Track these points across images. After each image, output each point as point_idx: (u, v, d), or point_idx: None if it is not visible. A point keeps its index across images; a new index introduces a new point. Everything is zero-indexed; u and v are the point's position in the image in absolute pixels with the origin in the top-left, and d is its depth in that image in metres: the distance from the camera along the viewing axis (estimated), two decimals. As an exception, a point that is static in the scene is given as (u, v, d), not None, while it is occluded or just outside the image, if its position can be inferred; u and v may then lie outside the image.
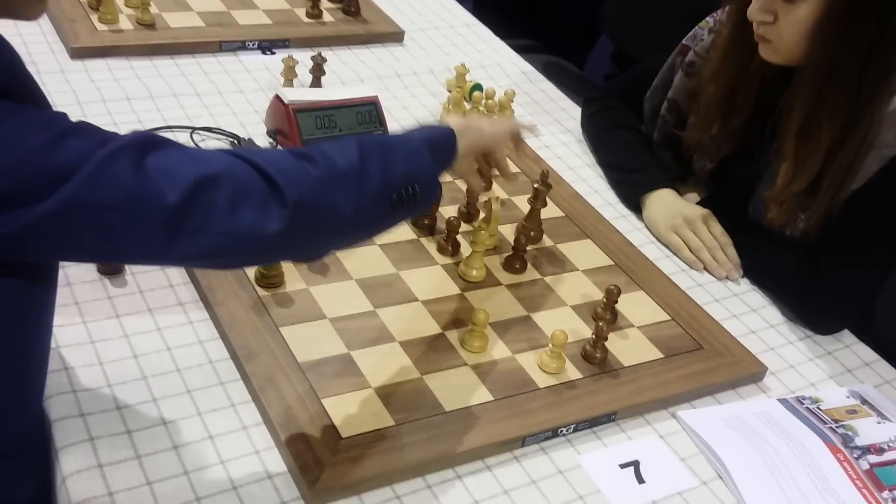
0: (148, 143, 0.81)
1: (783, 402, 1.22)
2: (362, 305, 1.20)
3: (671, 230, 1.45)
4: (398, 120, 1.65)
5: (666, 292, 1.34)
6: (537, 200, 1.36)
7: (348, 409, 1.05)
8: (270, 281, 1.19)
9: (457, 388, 1.11)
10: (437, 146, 1.02)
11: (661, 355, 1.23)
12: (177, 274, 1.21)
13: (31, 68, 1.53)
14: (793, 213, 1.36)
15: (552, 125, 1.75)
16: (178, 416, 1.03)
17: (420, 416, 1.06)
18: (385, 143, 0.97)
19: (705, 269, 1.44)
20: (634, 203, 1.53)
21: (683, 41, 1.56)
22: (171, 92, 1.59)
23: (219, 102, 1.60)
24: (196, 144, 1.46)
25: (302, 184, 0.86)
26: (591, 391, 1.15)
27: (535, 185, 1.36)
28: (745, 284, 1.43)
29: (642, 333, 1.26)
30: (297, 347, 1.11)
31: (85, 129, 0.80)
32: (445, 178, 1.45)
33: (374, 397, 1.08)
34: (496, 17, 3.11)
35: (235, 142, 1.49)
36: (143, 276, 1.20)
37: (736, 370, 1.24)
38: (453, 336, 1.19)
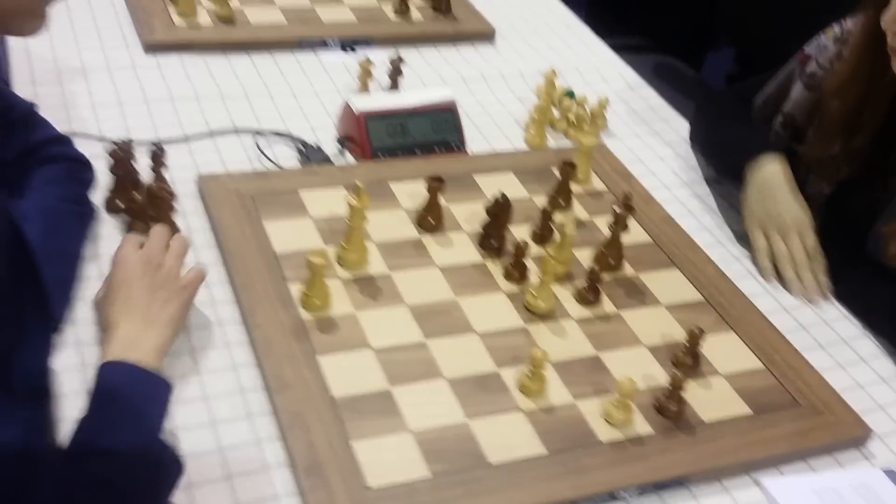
0: None
1: (889, 473, 1.05)
2: (412, 335, 1.10)
3: (760, 227, 1.30)
4: (479, 127, 1.54)
5: (761, 335, 1.19)
6: (618, 226, 1.23)
7: (380, 455, 0.95)
8: (316, 302, 1.10)
9: (506, 437, 0.99)
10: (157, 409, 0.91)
11: (749, 411, 1.08)
12: (220, 289, 1.13)
13: (102, 61, 1.51)
14: (918, 253, 1.19)
15: (650, 137, 1.60)
16: (197, 450, 0.94)
17: (460, 468, 0.95)
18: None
19: (782, 285, 1.28)
20: (735, 172, 1.36)
21: (805, 48, 1.39)
22: (244, 93, 1.51)
23: (292, 104, 1.51)
24: (260, 149, 1.38)
25: None
26: (661, 449, 1.01)
27: (616, 209, 1.22)
28: (856, 328, 1.26)
29: (729, 384, 1.11)
30: (333, 380, 1.02)
31: None
32: (514, 193, 1.33)
33: (412, 442, 0.97)
34: (609, 13, 2.96)
35: (301, 147, 1.40)
36: (182, 292, 1.12)
37: (835, 432, 1.08)
38: (509, 375, 1.07)
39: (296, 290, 1.12)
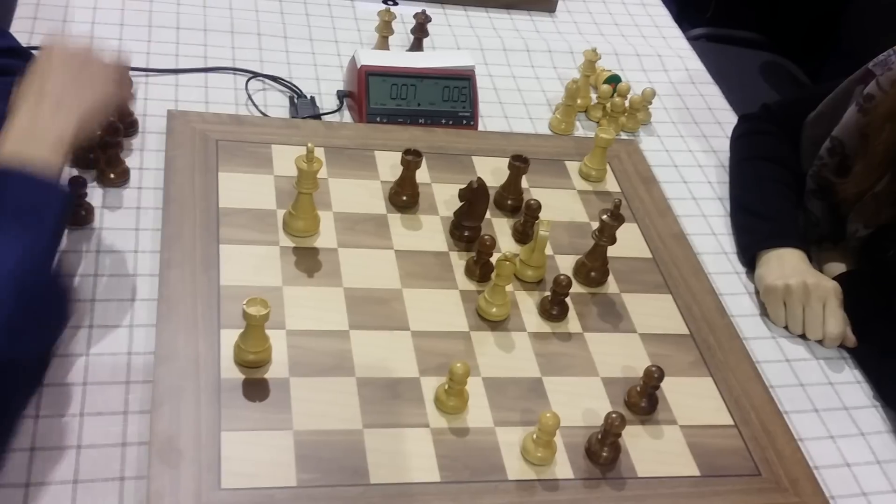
0: None
1: (849, 577, 0.89)
2: (336, 322, 0.99)
3: (779, 291, 1.13)
4: (503, 104, 1.40)
5: (743, 387, 1.03)
6: (602, 235, 1.08)
7: (248, 453, 0.85)
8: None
9: (399, 456, 0.88)
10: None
11: (696, 472, 0.93)
12: (150, 237, 1.05)
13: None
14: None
15: (696, 140, 1.43)
16: (56, 413, 0.86)
17: (334, 483, 0.84)
18: None
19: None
20: (749, 257, 1.20)
21: (869, 65, 1.20)
22: (258, 30, 1.42)
23: (305, 50, 1.41)
24: (248, 92, 1.29)
25: None
26: (574, 500, 0.88)
27: (603, 217, 1.08)
28: (866, 397, 1.09)
29: (684, 437, 0.96)
30: (228, 359, 0.92)
31: None
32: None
33: (289, 444, 0.86)
34: (738, 2, 2.74)
35: (295, 97, 1.30)
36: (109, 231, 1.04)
37: (795, 516, 0.92)
38: (429, 385, 0.95)
39: (226, 251, 1.02)
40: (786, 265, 1.15)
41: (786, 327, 1.14)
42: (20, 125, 0.82)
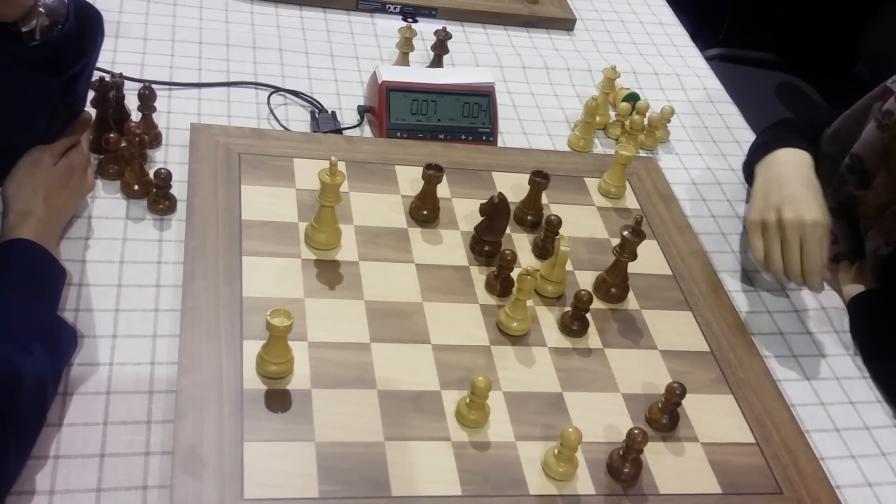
0: None
1: None
2: (357, 334, 0.99)
3: (759, 225, 1.10)
4: (522, 120, 1.41)
5: (764, 405, 1.03)
6: (623, 251, 1.09)
7: (271, 463, 0.85)
8: (262, 282, 1.01)
9: (421, 469, 0.88)
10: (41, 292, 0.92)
11: (718, 490, 0.93)
12: (174, 249, 1.05)
13: None
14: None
15: (714, 159, 1.44)
16: (80, 420, 0.87)
17: (355, 495, 0.84)
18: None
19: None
20: (749, 172, 1.19)
21: (888, 82, 1.20)
22: (279, 46, 1.43)
23: (326, 65, 1.42)
24: (270, 106, 1.30)
25: None
26: (597, 515, 0.88)
27: (624, 233, 1.08)
28: (887, 416, 1.08)
29: (705, 454, 0.96)
30: (250, 369, 0.92)
31: None
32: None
33: (311, 455, 0.86)
34: (751, 23, 2.75)
35: (316, 111, 1.31)
36: (132, 263, 1.05)
37: (817, 535, 0.91)
38: (450, 398, 0.95)
39: (249, 263, 1.03)
40: (783, 173, 1.12)
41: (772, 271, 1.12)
42: (40, 228, 0.95)
